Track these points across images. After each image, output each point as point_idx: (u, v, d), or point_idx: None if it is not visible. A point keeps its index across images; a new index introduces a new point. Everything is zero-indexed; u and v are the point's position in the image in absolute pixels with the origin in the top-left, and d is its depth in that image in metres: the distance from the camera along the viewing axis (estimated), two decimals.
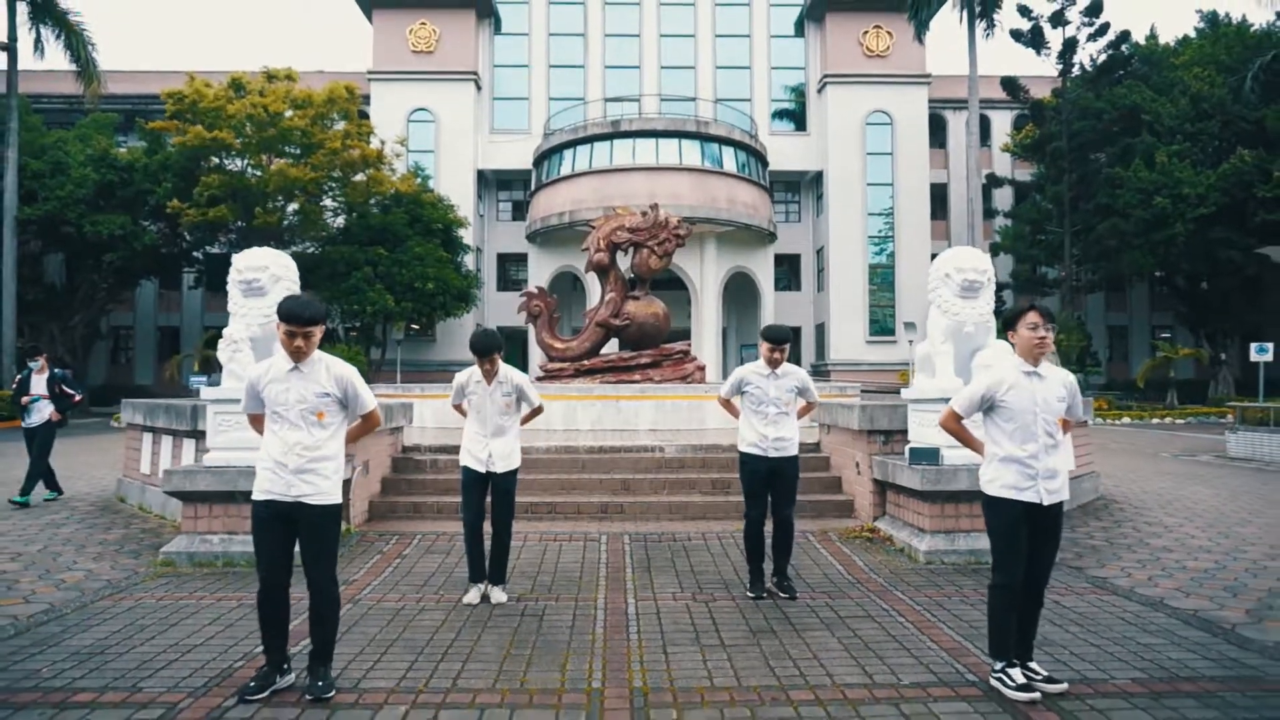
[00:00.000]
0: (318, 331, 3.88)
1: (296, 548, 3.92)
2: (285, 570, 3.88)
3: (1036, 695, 3.75)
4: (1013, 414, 3.94)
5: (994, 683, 3.89)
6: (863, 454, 8.02)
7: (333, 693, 3.81)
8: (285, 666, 3.92)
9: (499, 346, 5.44)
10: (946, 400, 6.79)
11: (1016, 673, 3.84)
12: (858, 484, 8.24)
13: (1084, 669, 4.18)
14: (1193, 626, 4.88)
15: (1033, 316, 3.95)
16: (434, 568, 6.36)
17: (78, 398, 10.45)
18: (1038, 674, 3.91)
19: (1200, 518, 8.79)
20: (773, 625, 4.94)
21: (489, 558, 5.58)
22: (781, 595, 5.58)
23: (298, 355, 3.86)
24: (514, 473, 5.59)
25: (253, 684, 3.80)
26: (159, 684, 3.96)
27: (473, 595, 5.47)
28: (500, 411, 5.48)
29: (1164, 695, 3.82)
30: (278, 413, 3.87)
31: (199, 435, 7.89)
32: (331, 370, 3.94)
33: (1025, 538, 3.91)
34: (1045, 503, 3.89)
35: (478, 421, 5.51)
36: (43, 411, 9.98)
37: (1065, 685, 3.87)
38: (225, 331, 6.88)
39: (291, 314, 3.81)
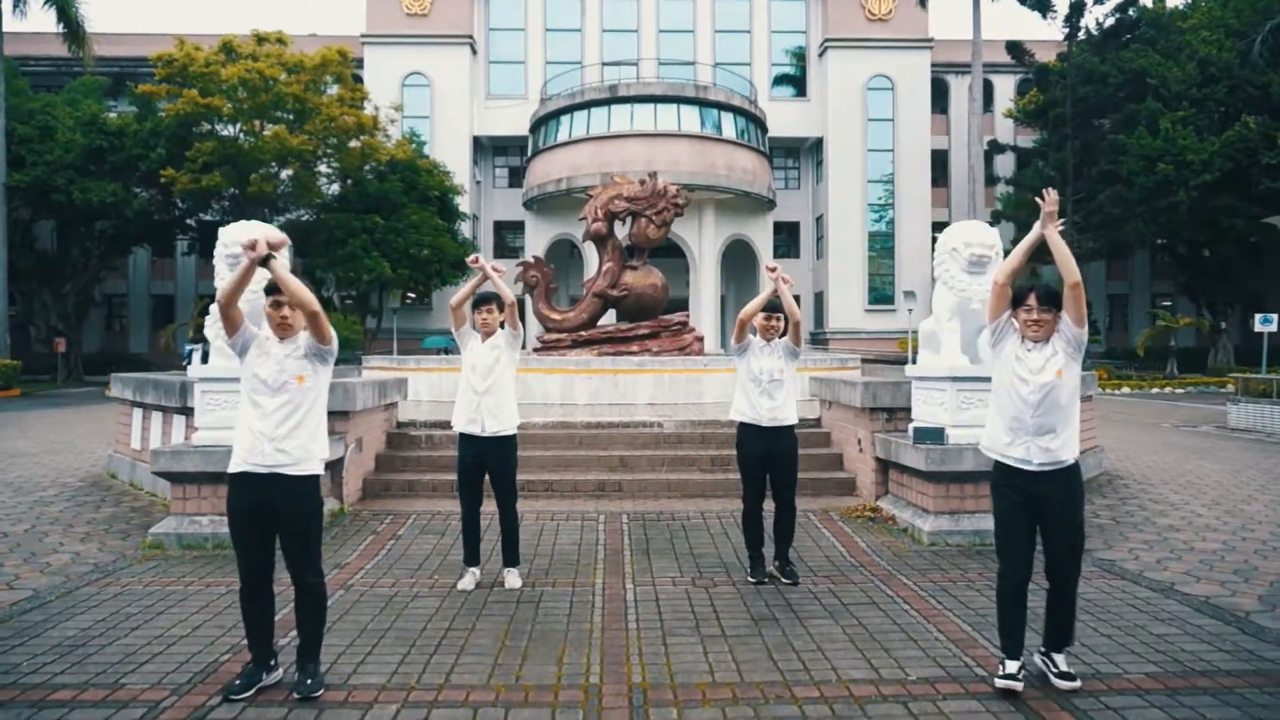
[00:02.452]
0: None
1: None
2: (267, 563, 3.74)
3: (1015, 686, 3.63)
4: (1000, 379, 3.89)
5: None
6: (865, 431, 7.88)
7: (321, 690, 3.68)
8: (272, 663, 3.79)
9: (494, 297, 5.36)
10: (952, 379, 6.67)
11: (1011, 664, 3.72)
12: (859, 462, 8.11)
13: (1096, 662, 4.06)
14: (1205, 615, 4.77)
15: (1030, 300, 3.82)
16: (429, 549, 6.24)
17: None
18: (1055, 667, 3.78)
19: (1206, 494, 8.69)
20: (775, 613, 4.82)
21: (501, 540, 5.44)
22: (783, 580, 5.46)
23: (283, 329, 3.71)
24: (508, 441, 5.32)
25: (238, 682, 3.67)
26: (142, 679, 3.83)
27: (467, 581, 5.33)
28: (490, 364, 5.30)
29: (1180, 691, 3.70)
30: (259, 378, 3.69)
31: (189, 412, 7.72)
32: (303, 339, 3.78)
33: (1024, 523, 3.79)
34: (1035, 461, 3.75)
35: (466, 381, 5.35)
36: None
37: (1079, 684, 3.75)
38: (212, 308, 6.68)
39: (275, 285, 3.69)
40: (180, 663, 4.04)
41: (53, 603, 4.99)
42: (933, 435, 6.59)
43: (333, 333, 3.75)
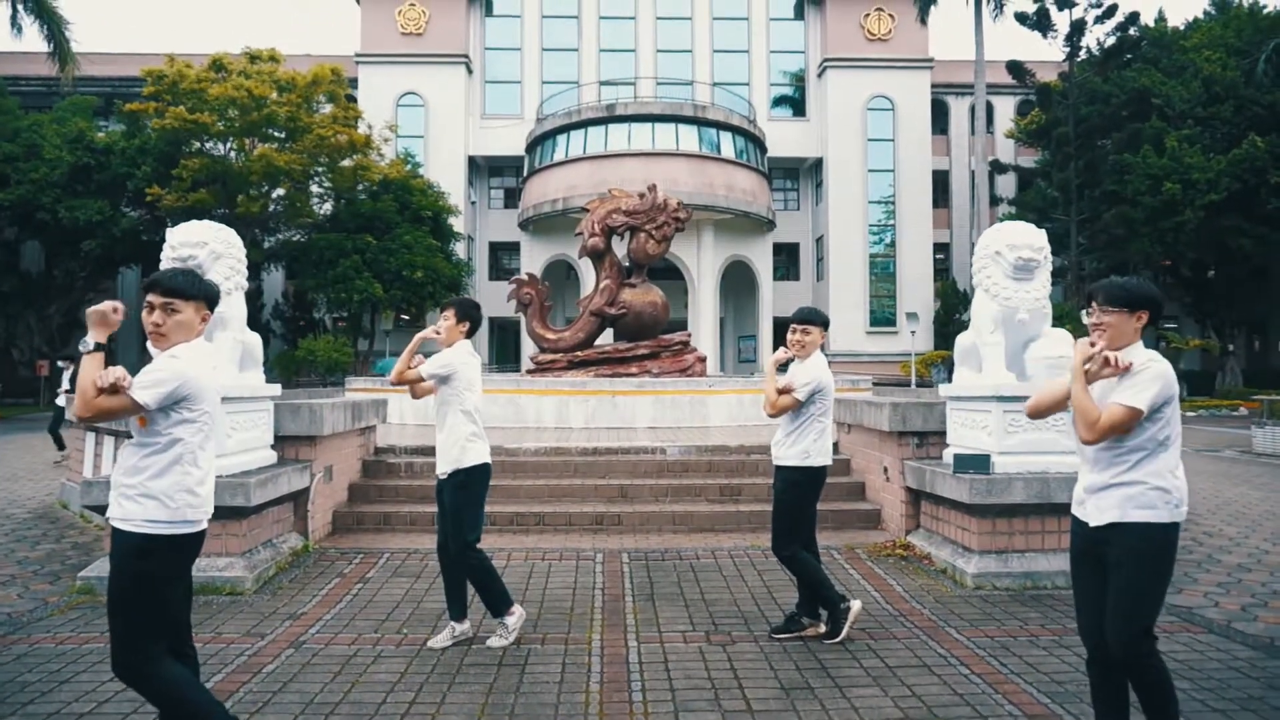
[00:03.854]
0: (185, 308, 2.95)
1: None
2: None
3: None
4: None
5: None
6: (892, 458, 7.09)
7: None
8: None
9: (451, 305, 4.67)
10: (997, 399, 5.89)
11: None
12: (885, 491, 7.31)
13: None
14: None
15: (1093, 304, 3.06)
16: (400, 595, 5.42)
17: None
18: None
19: (1262, 526, 7.91)
20: (808, 679, 4.00)
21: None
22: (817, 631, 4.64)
23: (155, 337, 2.95)
24: (445, 483, 4.50)
25: None
26: None
27: (441, 638, 4.51)
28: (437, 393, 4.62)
29: None
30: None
31: None
32: None
33: (1089, 575, 3.02)
34: (1090, 522, 2.98)
35: None
36: None
37: None
38: None
39: (151, 281, 2.95)
40: None
41: None
42: (976, 464, 5.80)
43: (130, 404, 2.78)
